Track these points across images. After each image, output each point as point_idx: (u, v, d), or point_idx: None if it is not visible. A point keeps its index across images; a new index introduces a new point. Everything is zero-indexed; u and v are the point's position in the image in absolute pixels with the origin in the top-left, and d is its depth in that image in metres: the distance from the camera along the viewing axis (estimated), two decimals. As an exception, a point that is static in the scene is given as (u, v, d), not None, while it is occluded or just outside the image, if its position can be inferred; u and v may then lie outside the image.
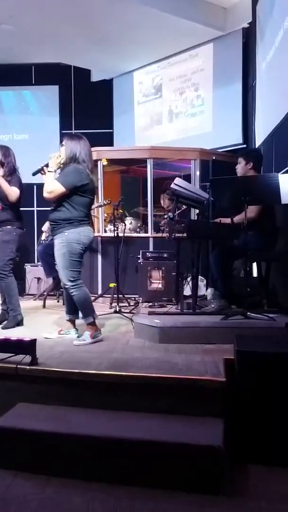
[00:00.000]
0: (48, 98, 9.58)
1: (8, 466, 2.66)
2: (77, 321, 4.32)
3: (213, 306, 4.43)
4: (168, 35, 7.73)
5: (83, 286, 4.09)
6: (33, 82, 9.57)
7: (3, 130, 9.41)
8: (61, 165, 4.11)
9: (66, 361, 3.43)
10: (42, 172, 4.18)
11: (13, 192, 4.65)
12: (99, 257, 6.89)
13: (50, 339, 4.17)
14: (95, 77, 9.64)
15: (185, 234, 4.57)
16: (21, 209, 4.85)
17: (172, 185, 4.57)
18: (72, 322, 4.29)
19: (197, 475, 2.43)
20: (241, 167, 4.56)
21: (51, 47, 8.46)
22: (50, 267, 6.51)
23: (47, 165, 4.16)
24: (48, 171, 4.08)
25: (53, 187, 3.99)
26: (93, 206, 5.11)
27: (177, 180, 4.64)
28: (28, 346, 3.30)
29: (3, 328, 4.63)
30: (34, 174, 4.25)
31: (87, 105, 9.46)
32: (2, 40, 7.94)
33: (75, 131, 9.31)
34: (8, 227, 4.68)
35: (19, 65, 9.28)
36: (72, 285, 4.03)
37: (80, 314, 4.23)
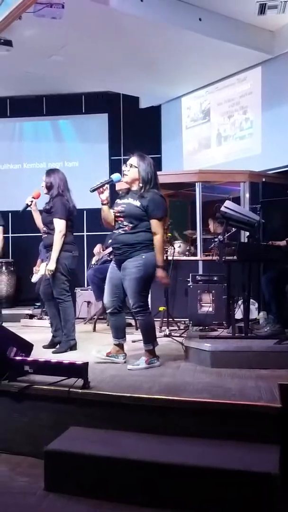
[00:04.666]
0: (98, 126, 9.77)
1: (62, 490, 2.66)
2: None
3: (266, 330, 4.35)
4: (216, 60, 7.77)
5: (151, 313, 4.06)
6: (83, 111, 9.80)
7: (56, 157, 9.66)
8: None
9: (117, 385, 3.43)
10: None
11: (59, 227, 4.67)
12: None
13: (99, 359, 4.12)
14: (143, 104, 9.79)
15: (235, 257, 4.53)
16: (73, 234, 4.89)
17: (222, 208, 4.56)
18: (121, 346, 4.22)
19: (253, 502, 2.37)
20: None
21: (100, 76, 8.65)
22: (100, 291, 6.50)
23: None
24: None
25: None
26: None
27: (227, 203, 4.63)
28: (81, 370, 3.31)
29: (53, 352, 4.65)
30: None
31: (136, 131, 9.58)
32: (54, 71, 8.19)
33: (124, 157, 9.44)
34: None
35: (70, 94, 9.56)
36: (142, 310, 3.97)
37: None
